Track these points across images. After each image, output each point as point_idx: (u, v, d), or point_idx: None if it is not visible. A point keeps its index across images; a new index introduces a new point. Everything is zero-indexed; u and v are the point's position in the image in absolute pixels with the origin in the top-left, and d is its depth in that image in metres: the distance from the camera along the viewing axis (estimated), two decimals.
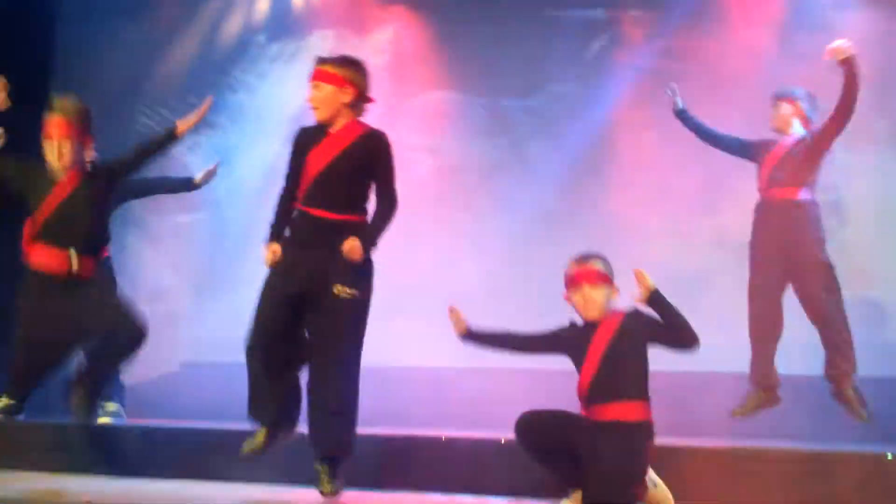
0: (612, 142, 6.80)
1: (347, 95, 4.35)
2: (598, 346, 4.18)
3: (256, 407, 4.47)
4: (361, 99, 4.41)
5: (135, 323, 4.73)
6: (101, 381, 4.80)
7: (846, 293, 5.33)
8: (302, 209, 4.38)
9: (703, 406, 5.82)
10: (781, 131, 5.47)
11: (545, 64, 7.13)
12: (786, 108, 5.45)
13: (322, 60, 4.39)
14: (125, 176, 5.03)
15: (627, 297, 4.18)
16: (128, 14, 7.58)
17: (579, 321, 4.29)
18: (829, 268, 5.26)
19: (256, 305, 4.35)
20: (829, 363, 5.21)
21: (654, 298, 4.14)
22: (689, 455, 4.71)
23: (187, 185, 5.96)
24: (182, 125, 4.84)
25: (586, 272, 4.22)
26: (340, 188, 4.33)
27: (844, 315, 5.23)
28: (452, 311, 4.44)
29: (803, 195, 5.32)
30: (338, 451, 4.38)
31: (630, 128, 6.75)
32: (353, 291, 4.29)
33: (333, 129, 4.37)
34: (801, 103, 5.44)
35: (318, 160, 4.34)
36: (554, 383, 5.85)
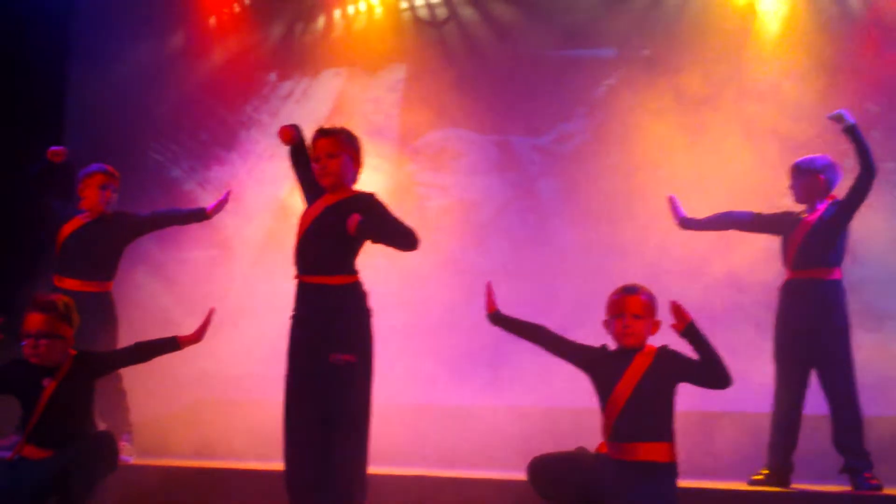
0: (622, 180, 6.80)
1: (357, 167, 4.57)
2: (630, 380, 4.16)
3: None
4: (359, 170, 4.62)
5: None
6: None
7: (859, 333, 5.31)
8: (296, 279, 4.50)
9: (716, 446, 5.78)
10: (804, 204, 5.35)
11: (555, 102, 7.15)
12: (808, 181, 5.30)
13: (333, 131, 4.53)
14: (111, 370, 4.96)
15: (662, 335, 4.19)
16: (139, 50, 7.62)
17: (611, 346, 4.28)
18: (850, 354, 5.20)
19: (284, 423, 4.39)
20: (840, 442, 5.16)
21: (690, 331, 4.13)
22: (701, 497, 4.67)
23: (199, 215, 5.94)
24: (184, 339, 4.71)
25: (632, 301, 4.22)
26: (324, 249, 4.42)
27: (857, 394, 5.17)
28: (489, 286, 4.45)
29: (831, 276, 5.24)
30: None
31: (640, 167, 6.75)
32: (350, 358, 4.32)
33: (330, 193, 4.52)
34: (822, 175, 5.29)
35: (305, 220, 4.50)
36: (567, 422, 5.86)
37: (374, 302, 4.51)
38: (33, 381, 4.58)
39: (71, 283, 5.66)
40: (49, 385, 4.56)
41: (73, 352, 4.65)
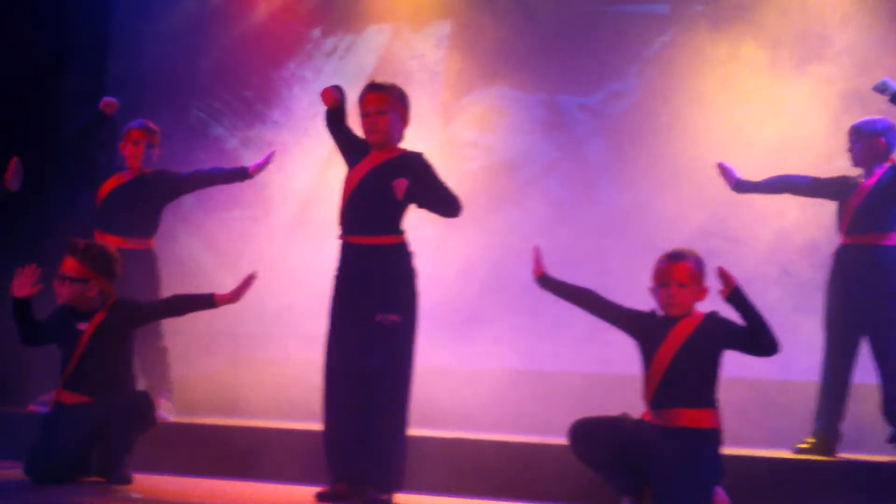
0: (671, 141, 6.64)
1: (405, 125, 4.52)
2: (672, 345, 4.11)
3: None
4: (405, 129, 4.57)
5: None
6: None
7: None
8: (341, 238, 4.46)
9: (761, 413, 5.70)
10: (862, 167, 5.23)
11: (605, 61, 6.98)
12: (867, 143, 5.17)
13: (385, 87, 4.47)
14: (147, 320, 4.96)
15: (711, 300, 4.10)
16: (183, 4, 7.59)
17: (659, 313, 4.23)
18: None
19: (324, 381, 4.40)
20: (889, 412, 5.06)
21: (736, 296, 4.06)
22: (745, 464, 4.58)
23: (241, 174, 5.95)
24: (221, 298, 4.69)
25: (677, 269, 4.14)
26: (370, 209, 4.39)
27: None
28: (536, 249, 4.43)
29: (887, 241, 5.10)
30: (386, 487, 4.31)
31: (690, 127, 6.58)
32: (396, 318, 4.29)
33: (376, 151, 4.47)
34: (882, 137, 5.15)
35: (352, 180, 4.44)
36: (607, 387, 5.79)
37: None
38: (71, 326, 4.67)
39: (112, 240, 5.65)
40: (85, 329, 4.61)
41: (113, 299, 4.68)
